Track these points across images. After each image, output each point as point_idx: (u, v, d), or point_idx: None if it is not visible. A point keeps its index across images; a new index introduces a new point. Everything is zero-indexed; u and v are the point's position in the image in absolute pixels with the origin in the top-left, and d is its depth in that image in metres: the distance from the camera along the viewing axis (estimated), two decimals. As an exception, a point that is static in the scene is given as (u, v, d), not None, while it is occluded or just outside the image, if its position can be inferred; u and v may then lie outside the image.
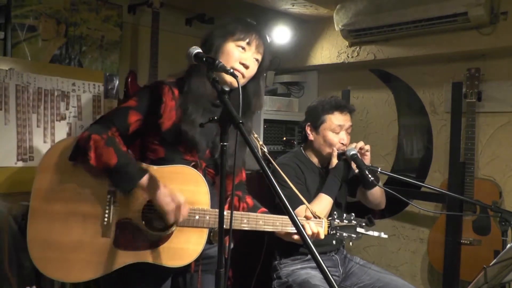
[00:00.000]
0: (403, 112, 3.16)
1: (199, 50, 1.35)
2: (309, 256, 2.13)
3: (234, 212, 1.53)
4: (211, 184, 1.57)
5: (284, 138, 3.23)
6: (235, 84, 1.44)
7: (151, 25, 2.86)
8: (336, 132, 2.18)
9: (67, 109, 2.41)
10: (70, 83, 2.42)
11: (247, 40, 1.53)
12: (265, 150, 1.70)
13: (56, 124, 2.37)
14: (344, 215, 1.69)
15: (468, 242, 2.52)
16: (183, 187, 1.46)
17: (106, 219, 1.43)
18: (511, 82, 2.59)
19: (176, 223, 1.42)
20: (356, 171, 2.11)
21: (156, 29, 2.86)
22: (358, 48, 3.12)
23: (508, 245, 1.51)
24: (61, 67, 2.63)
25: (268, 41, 1.61)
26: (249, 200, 1.71)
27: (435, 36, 2.70)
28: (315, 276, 2.04)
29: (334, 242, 1.69)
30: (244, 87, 1.59)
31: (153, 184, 1.39)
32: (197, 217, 1.46)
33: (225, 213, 1.26)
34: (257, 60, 1.57)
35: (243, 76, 1.54)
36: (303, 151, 2.30)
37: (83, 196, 1.43)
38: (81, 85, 2.46)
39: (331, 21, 3.09)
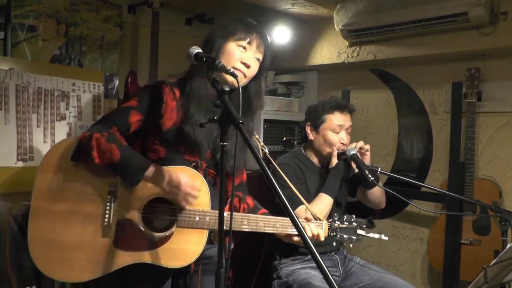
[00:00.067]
0: (403, 112, 3.16)
1: (199, 50, 1.35)
2: (309, 256, 2.13)
3: (234, 213, 1.53)
4: (212, 185, 1.57)
5: (284, 138, 3.23)
6: (236, 84, 1.44)
7: (151, 25, 2.86)
8: (336, 132, 2.18)
9: (67, 109, 2.41)
10: (70, 83, 2.42)
11: (248, 40, 1.53)
12: (266, 151, 1.70)
13: (56, 124, 2.37)
14: (345, 216, 1.69)
15: (468, 242, 2.52)
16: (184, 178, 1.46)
17: (106, 219, 1.43)
18: (511, 82, 2.59)
19: (188, 205, 1.44)
20: (356, 171, 2.11)
21: (156, 29, 2.86)
22: (358, 48, 3.12)
23: (508, 245, 1.51)
24: (61, 67, 2.63)
25: (269, 40, 1.61)
26: (250, 201, 1.71)
27: (435, 36, 2.70)
28: (315, 276, 2.04)
29: (334, 244, 1.68)
30: (245, 87, 1.59)
31: (160, 173, 1.41)
32: (197, 218, 1.46)
33: (225, 214, 1.26)
34: (258, 59, 1.57)
35: (245, 76, 1.54)
36: (303, 151, 2.30)
37: (84, 196, 1.44)
38: (81, 85, 2.46)
39: (331, 21, 3.09)
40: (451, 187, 2.60)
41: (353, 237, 1.67)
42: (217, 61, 1.28)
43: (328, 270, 0.95)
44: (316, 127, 2.21)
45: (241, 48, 1.53)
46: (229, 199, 1.56)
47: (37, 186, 1.43)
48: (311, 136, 2.24)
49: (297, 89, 3.65)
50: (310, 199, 2.05)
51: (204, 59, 1.31)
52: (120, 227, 1.43)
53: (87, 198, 1.43)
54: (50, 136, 2.35)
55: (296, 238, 1.57)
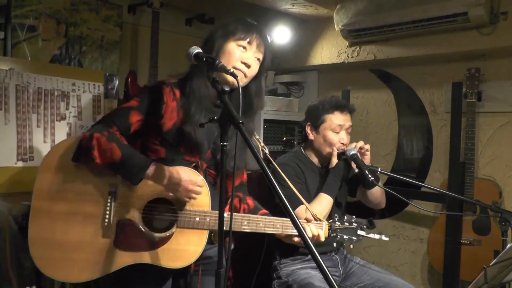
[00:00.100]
0: (403, 112, 3.16)
1: (199, 50, 1.35)
2: (309, 256, 2.13)
3: (235, 214, 1.53)
4: (212, 185, 1.57)
5: (284, 138, 3.23)
6: (236, 84, 1.44)
7: (151, 25, 2.86)
8: (336, 131, 2.18)
9: (67, 109, 2.41)
10: (70, 83, 2.42)
11: (248, 40, 1.53)
12: (266, 151, 1.70)
13: (56, 124, 2.37)
14: (345, 217, 1.69)
15: (468, 242, 2.52)
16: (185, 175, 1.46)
17: (106, 220, 1.43)
18: (511, 82, 2.59)
19: (190, 200, 1.44)
20: (356, 171, 2.11)
21: (156, 29, 2.86)
22: (358, 48, 3.12)
23: (508, 245, 1.51)
24: (61, 67, 2.63)
25: (269, 40, 1.61)
26: (250, 201, 1.71)
27: (435, 36, 2.70)
28: (315, 276, 2.04)
29: (334, 244, 1.68)
30: (246, 87, 1.59)
31: (161, 170, 1.41)
32: (197, 218, 1.46)
33: (225, 214, 1.26)
34: (258, 59, 1.57)
35: (245, 76, 1.54)
36: (303, 151, 2.30)
37: (84, 196, 1.44)
38: (81, 85, 2.46)
39: (331, 21, 3.09)
40: (451, 187, 2.60)
41: (353, 237, 1.67)
42: (217, 61, 1.28)
43: (328, 270, 0.95)
44: (316, 127, 2.21)
45: (241, 48, 1.53)
46: (229, 200, 1.56)
47: (38, 186, 1.44)
48: (311, 136, 2.24)
49: (297, 89, 3.65)
50: (310, 199, 2.05)
51: (204, 59, 1.31)
52: (120, 228, 1.43)
53: (87, 198, 1.44)
54: (50, 136, 2.35)
55: (296, 239, 1.57)
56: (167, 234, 1.46)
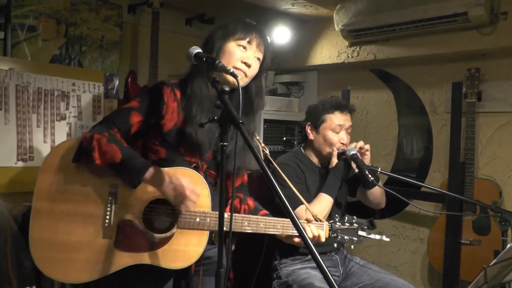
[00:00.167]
0: (403, 112, 3.16)
1: (199, 50, 1.35)
2: (309, 256, 2.13)
3: (235, 214, 1.53)
4: (213, 186, 1.57)
5: (284, 138, 3.23)
6: (236, 84, 1.44)
7: (151, 25, 2.86)
8: (336, 131, 2.18)
9: (67, 109, 2.41)
10: (70, 83, 2.42)
11: (248, 39, 1.54)
12: (267, 152, 1.70)
13: (56, 124, 2.37)
14: (346, 217, 1.69)
15: (468, 242, 2.52)
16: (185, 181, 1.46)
17: (107, 220, 1.43)
18: (511, 82, 2.59)
19: (188, 210, 1.43)
20: (356, 171, 2.11)
21: (156, 29, 2.86)
22: (358, 48, 3.12)
23: (508, 245, 1.51)
24: (61, 67, 2.63)
25: (269, 40, 1.61)
26: (251, 202, 1.71)
27: (435, 36, 2.70)
28: (315, 276, 2.04)
29: (335, 245, 1.68)
30: (246, 87, 1.59)
31: (160, 175, 1.40)
32: (197, 219, 1.46)
33: (225, 215, 1.26)
34: (258, 59, 1.57)
35: (246, 75, 1.54)
36: (303, 151, 2.30)
37: (85, 197, 1.44)
38: (81, 85, 2.46)
39: (331, 21, 3.09)
40: (451, 187, 2.60)
41: (354, 238, 1.67)
42: (217, 61, 1.28)
43: (328, 270, 0.95)
44: (316, 127, 2.21)
45: (242, 48, 1.54)
46: (230, 200, 1.56)
47: (39, 187, 1.44)
48: (311, 136, 2.24)
49: (297, 89, 3.65)
50: (310, 199, 2.05)
51: (204, 59, 1.31)
52: (120, 228, 1.43)
53: (88, 199, 1.44)
54: (50, 136, 2.35)
55: (296, 239, 1.57)
56: (168, 235, 1.46)
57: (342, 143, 2.18)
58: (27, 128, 2.26)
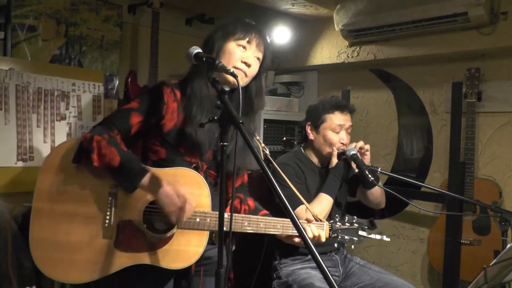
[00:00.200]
0: (403, 112, 3.16)
1: (199, 50, 1.35)
2: (309, 256, 2.13)
3: (235, 214, 1.53)
4: (213, 186, 1.57)
5: (284, 138, 3.23)
6: (236, 84, 1.44)
7: (151, 25, 2.86)
8: (336, 131, 2.18)
9: (67, 109, 2.41)
10: (70, 83, 2.42)
11: (247, 39, 1.54)
12: (267, 152, 1.70)
13: (56, 124, 2.37)
14: (346, 217, 1.69)
15: (468, 242, 2.52)
16: (184, 189, 1.46)
17: (107, 221, 1.43)
18: (511, 82, 2.59)
19: (178, 224, 1.42)
20: (356, 171, 2.11)
21: (156, 29, 2.86)
22: (358, 48, 3.12)
23: (508, 245, 1.51)
24: (61, 67, 2.63)
25: (268, 40, 1.62)
26: (251, 202, 1.71)
27: (435, 36, 2.70)
28: (315, 276, 2.04)
29: (336, 245, 1.67)
30: (247, 87, 1.59)
31: (156, 183, 1.39)
32: (198, 219, 1.46)
33: (225, 215, 1.26)
34: (258, 58, 1.58)
35: (246, 75, 1.54)
36: (303, 151, 2.30)
37: (85, 197, 1.44)
38: (81, 85, 2.46)
39: (331, 21, 3.09)
40: (451, 187, 2.60)
41: (355, 238, 1.66)
42: (217, 61, 1.28)
43: (328, 270, 0.95)
44: (316, 127, 2.21)
45: (241, 48, 1.54)
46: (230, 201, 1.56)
47: (39, 187, 1.44)
48: (311, 136, 2.24)
49: (297, 89, 3.65)
50: (310, 199, 2.05)
51: (204, 59, 1.31)
52: (120, 228, 1.43)
53: (88, 200, 1.44)
54: (50, 136, 2.35)
55: (297, 239, 1.57)
56: (168, 235, 1.46)
57: (342, 143, 2.18)
58: (27, 128, 2.26)
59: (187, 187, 1.47)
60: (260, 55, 1.58)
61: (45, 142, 2.33)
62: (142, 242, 1.44)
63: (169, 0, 2.99)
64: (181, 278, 1.60)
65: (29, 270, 1.96)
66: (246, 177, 1.77)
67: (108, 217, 1.44)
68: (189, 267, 1.50)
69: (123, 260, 1.43)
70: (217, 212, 1.25)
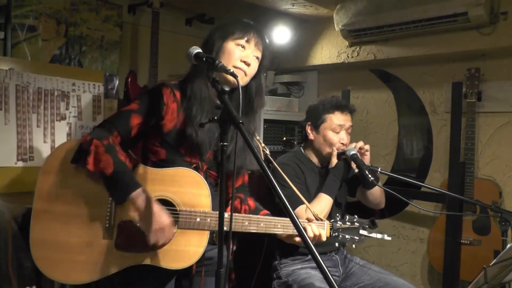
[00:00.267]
0: (403, 112, 3.16)
1: (199, 50, 1.35)
2: (309, 256, 2.13)
3: (235, 214, 1.53)
4: (213, 186, 1.57)
5: (284, 138, 3.23)
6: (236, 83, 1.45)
7: (151, 25, 2.87)
8: (337, 131, 2.18)
9: (67, 109, 2.41)
10: (70, 83, 2.42)
11: (246, 38, 1.55)
12: (267, 152, 1.70)
13: (56, 124, 2.37)
14: (347, 217, 1.69)
15: (468, 242, 2.52)
16: (184, 190, 1.47)
17: (107, 221, 1.43)
18: (511, 82, 2.59)
19: (155, 246, 1.41)
20: (356, 171, 2.11)
21: (156, 29, 2.86)
22: (358, 48, 3.12)
23: (508, 245, 1.51)
24: (61, 67, 2.63)
25: (267, 39, 1.62)
26: (251, 202, 1.71)
27: (435, 36, 2.70)
28: (315, 276, 2.04)
29: (337, 244, 1.67)
30: (246, 86, 1.60)
31: (143, 200, 1.38)
32: (198, 219, 1.46)
33: (225, 215, 1.26)
34: (257, 58, 1.58)
35: (245, 74, 1.55)
36: (303, 151, 2.30)
37: (86, 198, 1.44)
38: (81, 85, 2.46)
39: (331, 21, 3.09)
40: (451, 187, 2.60)
41: (356, 237, 1.66)
42: (217, 61, 1.29)
43: (328, 270, 0.95)
44: (316, 127, 2.21)
45: (240, 47, 1.55)
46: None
47: (39, 188, 1.44)
48: (311, 136, 2.24)
49: (297, 89, 3.65)
50: (310, 199, 2.05)
51: (204, 59, 1.31)
52: (121, 229, 1.43)
53: (88, 200, 1.44)
54: (50, 136, 2.35)
55: (297, 239, 1.57)
56: (168, 235, 1.46)
57: (342, 143, 2.18)
58: (27, 128, 2.26)
59: (187, 187, 1.47)
60: (259, 54, 1.59)
61: (45, 142, 2.33)
62: (143, 242, 1.44)
63: (169, 0, 2.99)
64: (182, 278, 1.60)
65: (29, 270, 1.96)
66: (246, 177, 1.77)
67: (108, 218, 1.44)
68: (190, 267, 1.50)
69: (123, 260, 1.43)
70: (217, 212, 1.25)
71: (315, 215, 1.64)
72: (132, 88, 2.89)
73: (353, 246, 1.67)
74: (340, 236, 1.65)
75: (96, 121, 2.48)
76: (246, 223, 1.51)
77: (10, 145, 2.20)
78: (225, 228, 1.22)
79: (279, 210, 1.56)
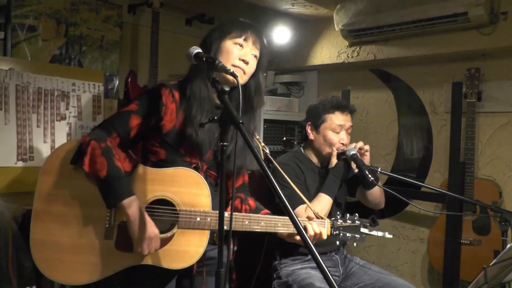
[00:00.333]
0: (403, 112, 3.16)
1: (199, 50, 1.36)
2: (309, 256, 2.13)
3: (235, 213, 1.53)
4: (213, 186, 1.57)
5: (284, 138, 3.23)
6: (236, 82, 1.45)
7: (151, 25, 2.86)
8: (337, 131, 2.18)
9: (67, 109, 2.41)
10: (70, 83, 2.42)
11: (244, 37, 1.55)
12: (267, 151, 1.70)
13: (56, 124, 2.37)
14: (348, 215, 1.68)
15: (468, 242, 2.52)
16: (184, 190, 1.47)
17: (107, 222, 1.43)
18: (511, 82, 2.59)
19: (143, 253, 1.41)
20: (356, 171, 2.11)
21: (156, 29, 2.86)
22: (358, 48, 3.12)
23: (508, 245, 1.51)
24: (61, 67, 2.63)
25: (264, 37, 1.63)
26: (252, 202, 1.71)
27: (435, 36, 2.70)
28: (315, 276, 2.04)
29: (337, 242, 1.67)
30: (245, 85, 1.60)
31: (136, 208, 1.39)
32: (198, 219, 1.46)
33: (225, 214, 1.26)
34: (255, 56, 1.59)
35: (244, 73, 1.55)
36: (302, 151, 2.30)
37: (86, 198, 1.44)
38: (81, 85, 2.46)
39: (331, 21, 3.09)
40: (451, 187, 2.60)
41: (357, 235, 1.65)
42: (217, 61, 1.29)
43: (328, 270, 0.95)
44: (316, 127, 2.21)
45: (238, 46, 1.55)
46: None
47: (39, 188, 1.44)
48: (311, 136, 2.24)
49: (297, 89, 3.65)
50: (309, 199, 2.05)
51: (204, 59, 1.31)
52: (121, 229, 1.43)
53: (88, 201, 1.44)
54: (50, 136, 2.35)
55: (298, 237, 1.57)
56: (168, 235, 1.46)
57: (342, 143, 2.18)
58: (27, 128, 2.26)
59: (187, 187, 1.47)
60: (257, 53, 1.59)
61: (45, 142, 2.33)
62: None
63: (169, 0, 2.99)
64: (183, 278, 1.60)
65: (29, 270, 1.96)
66: (246, 177, 1.77)
67: (108, 218, 1.44)
68: (191, 267, 1.50)
69: (123, 260, 1.43)
70: (218, 211, 1.25)
71: (316, 214, 1.64)
72: (132, 88, 2.88)
73: (354, 244, 1.67)
74: (341, 234, 1.64)
75: (96, 121, 2.48)
76: (246, 222, 1.51)
77: (10, 145, 2.20)
78: (225, 228, 1.22)
79: (279, 210, 1.56)
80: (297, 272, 2.10)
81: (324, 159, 2.24)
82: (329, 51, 3.30)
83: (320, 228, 1.58)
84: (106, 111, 2.56)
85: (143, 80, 2.97)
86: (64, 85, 2.40)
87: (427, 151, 3.02)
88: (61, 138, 2.37)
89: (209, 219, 1.47)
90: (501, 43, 2.48)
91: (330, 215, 2.03)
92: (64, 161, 1.44)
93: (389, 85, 3.21)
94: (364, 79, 3.30)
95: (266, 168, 1.08)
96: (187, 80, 1.54)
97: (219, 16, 3.28)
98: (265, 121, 3.10)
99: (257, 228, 1.53)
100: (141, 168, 1.48)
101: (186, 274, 1.58)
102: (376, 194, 2.22)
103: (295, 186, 1.77)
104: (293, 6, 3.04)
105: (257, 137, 1.71)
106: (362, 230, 1.66)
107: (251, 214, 1.54)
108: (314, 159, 2.27)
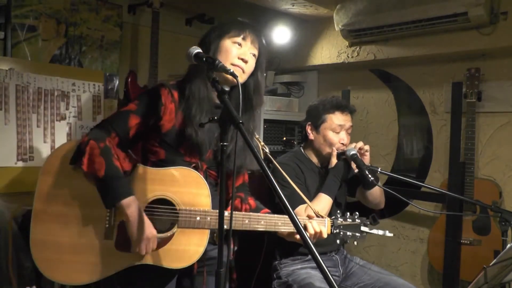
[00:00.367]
0: (403, 112, 3.16)
1: (199, 50, 1.36)
2: (309, 256, 2.13)
3: (235, 212, 1.53)
4: (213, 186, 1.57)
5: (284, 138, 3.23)
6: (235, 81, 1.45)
7: (151, 25, 2.86)
8: (337, 131, 2.18)
9: (67, 109, 2.41)
10: (70, 83, 2.42)
11: (242, 36, 1.55)
12: (267, 150, 1.70)
13: (56, 124, 2.37)
14: (348, 214, 1.68)
15: (468, 242, 2.52)
16: (184, 189, 1.47)
17: (107, 222, 1.43)
18: (511, 82, 2.59)
19: (140, 253, 1.41)
20: (356, 171, 2.11)
21: (156, 29, 2.86)
22: (358, 48, 3.12)
23: (508, 245, 1.51)
24: (61, 67, 2.63)
25: (262, 36, 1.63)
26: (252, 201, 1.71)
27: (435, 36, 2.70)
28: (315, 276, 2.04)
29: (338, 241, 1.66)
30: (244, 84, 1.60)
31: (135, 208, 1.39)
32: (198, 218, 1.46)
33: (226, 213, 1.26)
34: (254, 55, 1.59)
35: (243, 72, 1.55)
36: (302, 151, 2.30)
37: (86, 198, 1.44)
38: (81, 85, 2.46)
39: (331, 21, 3.09)
40: (451, 187, 2.60)
41: (357, 234, 1.64)
42: (217, 61, 1.29)
43: (328, 270, 0.95)
44: (316, 127, 2.21)
45: (237, 45, 1.55)
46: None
47: (40, 188, 1.44)
48: (311, 136, 2.24)
49: (297, 89, 3.65)
50: (309, 199, 2.05)
51: (204, 59, 1.32)
52: (121, 229, 1.43)
53: (88, 201, 1.44)
54: (50, 136, 2.35)
55: (298, 236, 1.57)
56: (168, 235, 1.46)
57: (342, 143, 2.18)
58: (27, 128, 2.26)
59: (187, 187, 1.47)
60: (256, 52, 1.59)
61: (45, 142, 2.33)
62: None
63: (169, 0, 2.99)
64: (184, 277, 1.60)
65: (29, 270, 1.96)
66: (246, 177, 1.77)
67: (108, 218, 1.44)
68: (191, 267, 1.50)
69: (123, 260, 1.43)
70: (217, 211, 1.25)
71: (316, 212, 1.64)
72: (132, 88, 2.88)
73: (355, 243, 1.66)
74: (341, 233, 1.64)
75: (96, 121, 2.48)
76: (246, 221, 1.51)
77: (10, 145, 2.20)
78: (225, 227, 1.22)
79: (279, 209, 1.56)
80: (297, 272, 2.10)
81: (324, 159, 2.24)
82: (329, 51, 3.30)
83: (320, 226, 1.58)
84: (106, 111, 2.56)
85: (143, 80, 2.97)
86: (64, 85, 2.40)
87: (427, 151, 3.02)
88: (61, 138, 2.37)
89: (209, 218, 1.47)
90: (501, 43, 2.48)
91: (330, 215, 2.02)
92: (64, 161, 1.44)
93: (389, 85, 3.21)
94: (364, 79, 3.30)
95: (266, 168, 1.08)
96: (186, 80, 1.54)
97: (219, 16, 3.28)
98: (265, 121, 3.10)
99: (257, 227, 1.53)
100: (141, 168, 1.48)
101: (186, 274, 1.58)
102: (376, 194, 2.22)
103: (295, 186, 1.77)
104: (293, 6, 3.04)
105: (257, 136, 1.71)
106: (363, 228, 1.65)
107: (251, 213, 1.54)
108: (314, 159, 2.27)
